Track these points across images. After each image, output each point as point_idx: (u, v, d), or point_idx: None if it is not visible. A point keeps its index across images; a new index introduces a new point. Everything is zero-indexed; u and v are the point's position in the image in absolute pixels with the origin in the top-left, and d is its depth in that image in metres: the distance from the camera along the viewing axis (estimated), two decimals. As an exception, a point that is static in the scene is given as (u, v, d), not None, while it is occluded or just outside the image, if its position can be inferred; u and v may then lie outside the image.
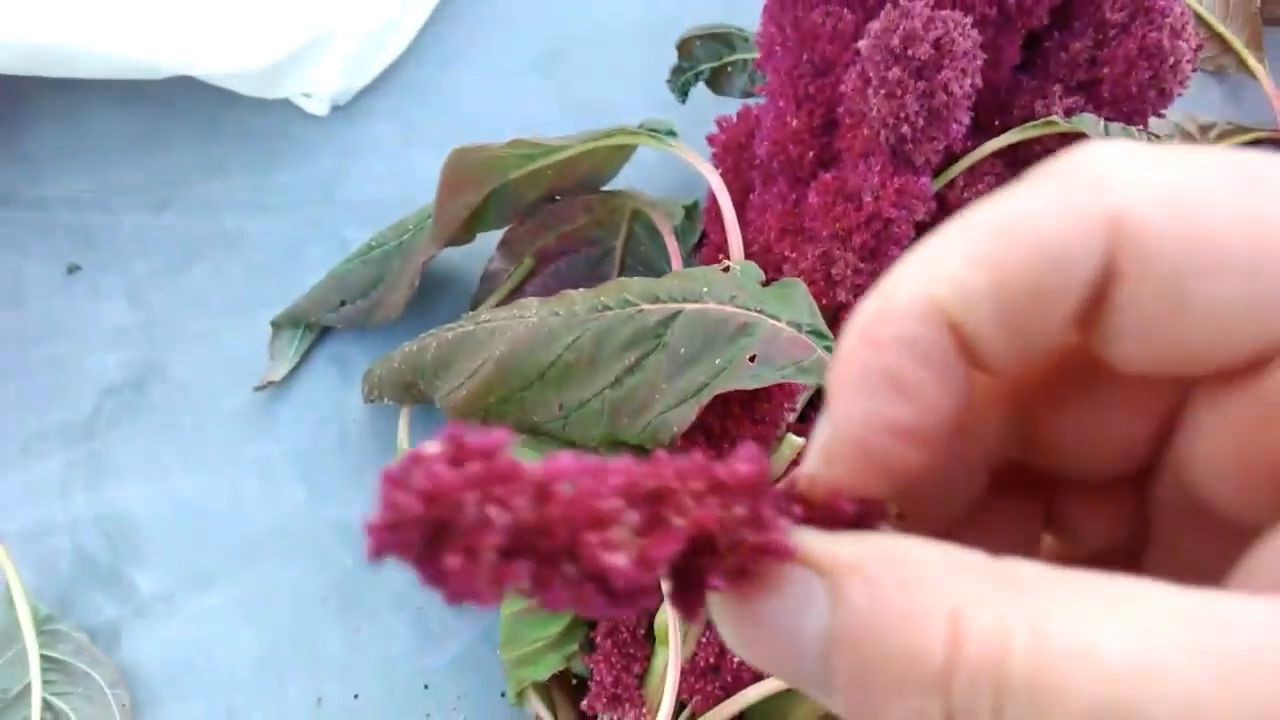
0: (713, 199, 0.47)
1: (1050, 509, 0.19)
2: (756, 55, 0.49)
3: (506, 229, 0.49)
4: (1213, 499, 0.15)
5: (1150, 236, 0.13)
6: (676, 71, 0.49)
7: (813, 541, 0.14)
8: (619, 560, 0.13)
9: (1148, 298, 0.13)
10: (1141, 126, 0.39)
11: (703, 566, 0.14)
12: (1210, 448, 0.15)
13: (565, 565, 0.13)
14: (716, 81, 0.49)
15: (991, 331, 0.14)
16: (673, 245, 0.45)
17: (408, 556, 0.12)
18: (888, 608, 0.13)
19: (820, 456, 0.15)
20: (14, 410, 0.48)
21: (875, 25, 0.38)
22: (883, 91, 0.37)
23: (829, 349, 0.34)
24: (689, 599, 0.14)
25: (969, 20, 0.37)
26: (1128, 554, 0.18)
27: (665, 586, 0.14)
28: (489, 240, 0.49)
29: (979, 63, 0.37)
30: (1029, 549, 0.19)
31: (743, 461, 0.14)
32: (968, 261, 0.14)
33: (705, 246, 0.46)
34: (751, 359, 0.34)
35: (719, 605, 0.15)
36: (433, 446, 0.13)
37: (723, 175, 0.44)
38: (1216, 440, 0.14)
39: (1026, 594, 0.12)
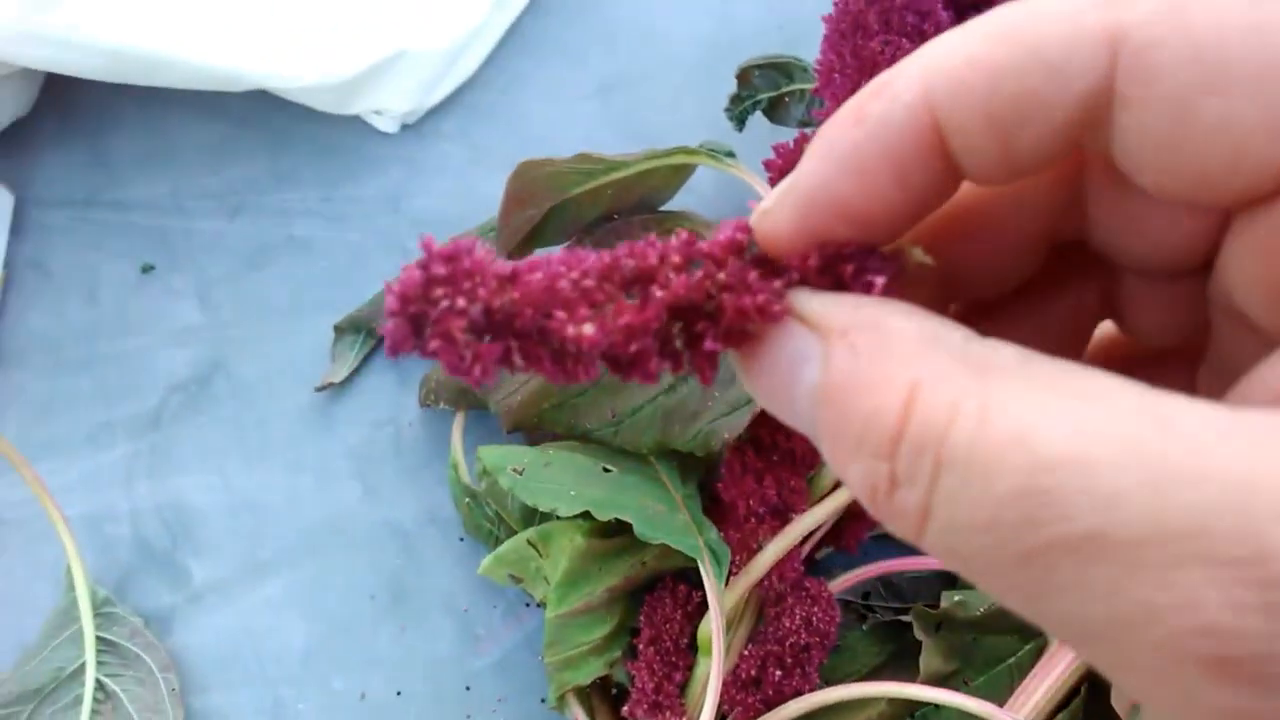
0: (768, 222, 0.48)
1: (1109, 296, 0.18)
2: (814, 85, 0.50)
3: (564, 247, 0.50)
4: (1252, 314, 0.15)
5: (1155, 52, 0.13)
6: (735, 100, 0.51)
7: (812, 303, 0.15)
8: (588, 330, 0.14)
9: (1153, 119, 0.13)
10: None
11: (702, 331, 0.15)
12: (1242, 266, 0.14)
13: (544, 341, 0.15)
14: (774, 111, 0.50)
15: (979, 136, 0.14)
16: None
17: (406, 348, 0.14)
18: (860, 373, 0.14)
19: (774, 199, 0.16)
20: (84, 401, 0.50)
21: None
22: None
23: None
24: (697, 361, 0.16)
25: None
26: (1186, 359, 0.17)
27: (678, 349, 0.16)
28: (547, 257, 0.50)
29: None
30: (1081, 331, 0.19)
31: (723, 230, 0.16)
32: (966, 60, 0.14)
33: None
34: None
35: (737, 360, 0.16)
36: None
37: (779, 198, 0.45)
38: (1247, 260, 0.14)
39: (989, 376, 0.13)
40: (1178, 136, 0.13)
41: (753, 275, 0.15)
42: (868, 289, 0.15)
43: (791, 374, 0.15)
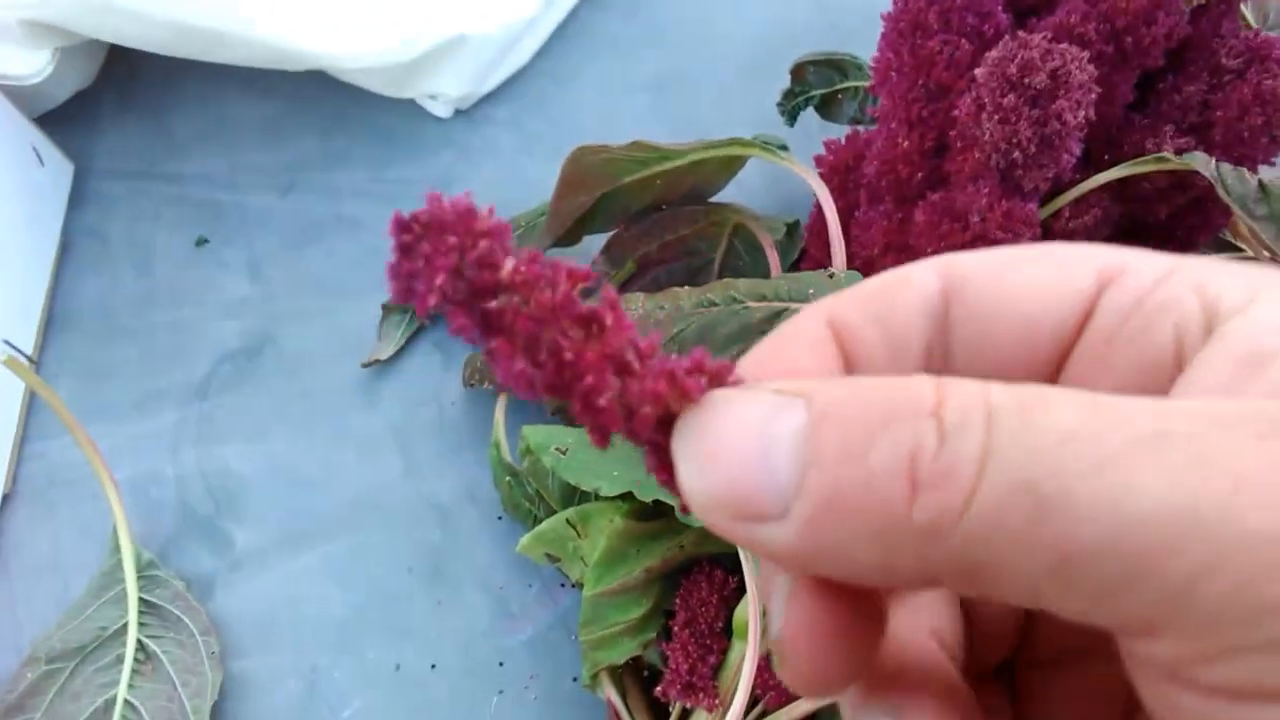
0: (815, 217, 0.49)
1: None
2: (867, 84, 0.50)
3: (612, 234, 0.51)
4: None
5: (969, 274, 0.17)
6: (788, 95, 0.51)
7: (767, 382, 0.15)
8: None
9: (972, 309, 0.17)
10: (1252, 170, 0.40)
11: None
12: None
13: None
14: (826, 107, 0.51)
15: (862, 328, 0.17)
16: (773, 257, 0.46)
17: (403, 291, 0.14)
18: (869, 386, 0.13)
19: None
20: (135, 368, 0.51)
21: (993, 54, 0.39)
22: (997, 117, 0.38)
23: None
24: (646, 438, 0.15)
25: (1086, 55, 0.38)
26: None
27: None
28: (592, 244, 0.51)
29: (1093, 96, 0.38)
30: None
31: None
32: (849, 297, 0.17)
33: (804, 262, 0.48)
34: (854, 358, 0.35)
35: (684, 430, 0.14)
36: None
37: (828, 194, 0.45)
38: None
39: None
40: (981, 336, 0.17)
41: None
42: None
43: (758, 428, 0.14)
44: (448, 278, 0.13)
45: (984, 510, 0.12)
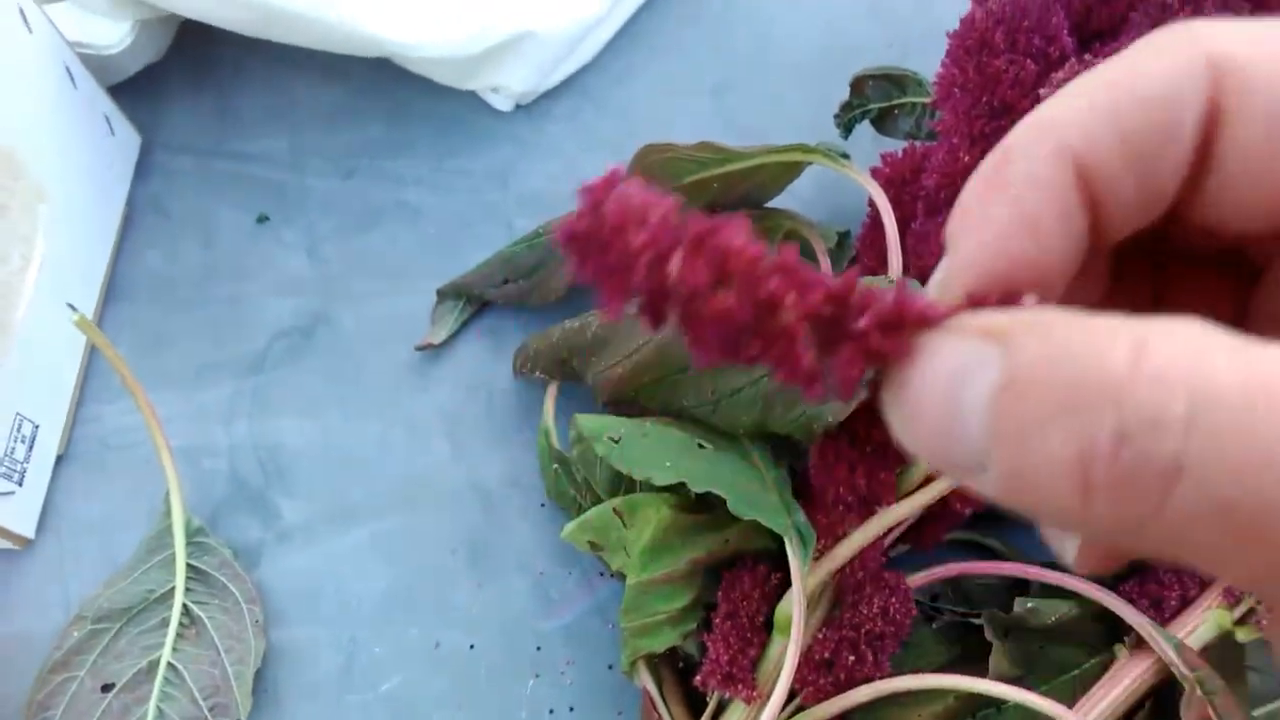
0: (868, 227, 0.49)
1: (1158, 294, 0.18)
2: (925, 100, 0.51)
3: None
4: None
5: (1249, 71, 0.14)
6: (845, 108, 0.52)
7: (974, 319, 0.13)
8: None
9: (1253, 137, 0.14)
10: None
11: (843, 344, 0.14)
12: None
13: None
14: (882, 121, 0.52)
15: (1120, 175, 0.15)
16: (826, 265, 0.47)
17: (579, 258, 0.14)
18: (1063, 343, 0.12)
19: (945, 273, 0.16)
20: (193, 339, 0.52)
21: (1059, 75, 0.40)
22: (1061, 136, 0.39)
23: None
24: (841, 375, 0.14)
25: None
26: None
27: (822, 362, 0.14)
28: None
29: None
30: None
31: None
32: (1090, 111, 0.15)
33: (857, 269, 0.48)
34: (914, 362, 0.36)
35: (890, 384, 0.14)
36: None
37: (885, 205, 0.46)
38: None
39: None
40: (1276, 153, 0.14)
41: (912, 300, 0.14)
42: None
43: (954, 387, 0.13)
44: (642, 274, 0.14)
45: (1173, 522, 0.11)
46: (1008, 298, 0.14)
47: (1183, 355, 0.11)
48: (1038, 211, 0.15)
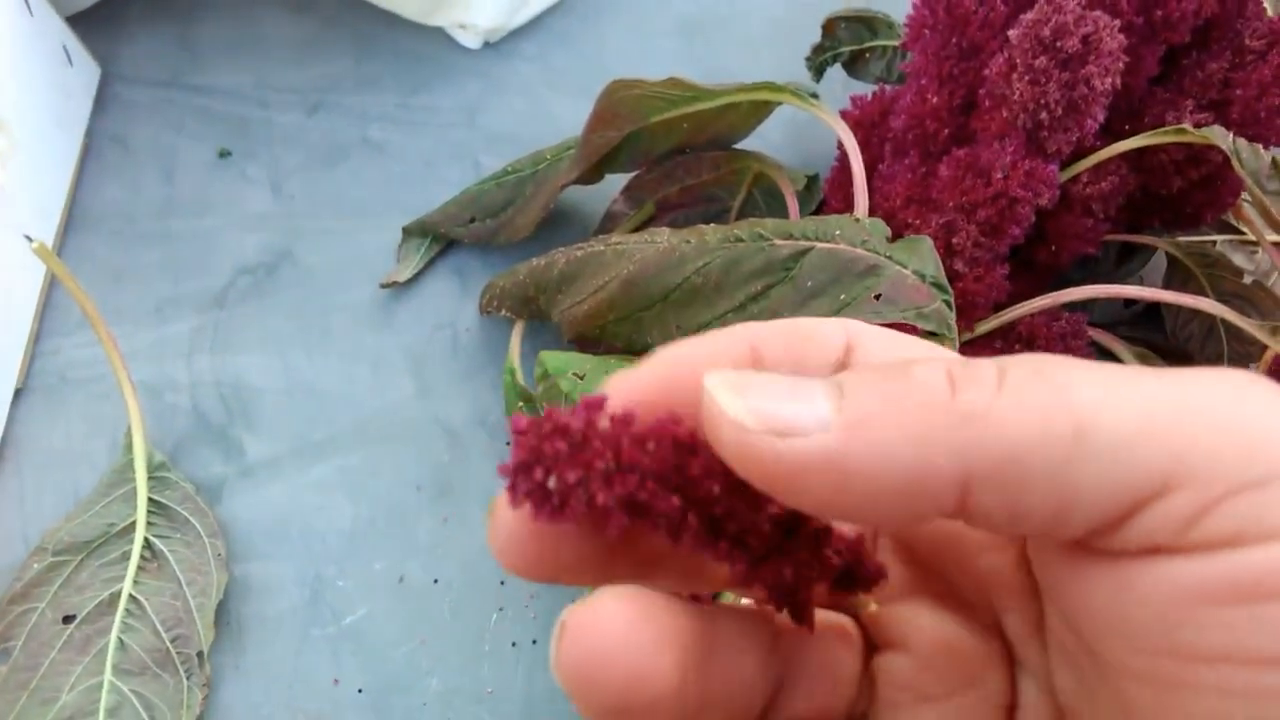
0: (836, 171, 0.49)
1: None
2: (896, 43, 0.51)
3: (633, 175, 0.51)
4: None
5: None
6: (817, 50, 0.52)
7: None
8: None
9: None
10: (1266, 148, 0.41)
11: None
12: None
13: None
14: (853, 64, 0.52)
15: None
16: (793, 205, 0.47)
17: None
18: (880, 378, 0.15)
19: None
20: (153, 274, 0.51)
21: (1028, 16, 0.40)
22: (1027, 77, 0.39)
23: (948, 303, 0.36)
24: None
25: (1117, 23, 0.40)
26: None
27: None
28: (612, 183, 0.51)
29: (1121, 64, 0.39)
30: None
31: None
32: (765, 332, 0.18)
33: (825, 212, 0.48)
34: (876, 298, 0.36)
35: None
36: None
37: (853, 146, 0.46)
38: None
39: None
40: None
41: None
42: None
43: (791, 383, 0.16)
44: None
45: (1011, 393, 0.14)
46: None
47: (986, 363, 0.15)
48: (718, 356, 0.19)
